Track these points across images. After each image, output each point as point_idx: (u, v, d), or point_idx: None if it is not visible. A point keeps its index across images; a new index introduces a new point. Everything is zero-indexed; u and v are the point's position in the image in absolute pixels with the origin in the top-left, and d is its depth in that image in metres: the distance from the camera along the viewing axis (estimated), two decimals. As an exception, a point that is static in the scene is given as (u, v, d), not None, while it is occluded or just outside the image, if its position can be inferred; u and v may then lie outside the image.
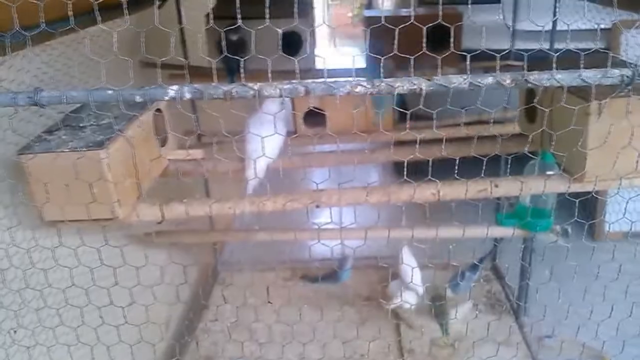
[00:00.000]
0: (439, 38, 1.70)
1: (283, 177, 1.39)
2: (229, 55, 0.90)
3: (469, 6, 1.01)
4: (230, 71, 1.74)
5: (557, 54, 0.83)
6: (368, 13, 2.21)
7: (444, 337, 2.08)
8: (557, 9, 1.64)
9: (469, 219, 1.57)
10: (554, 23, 1.72)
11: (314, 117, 1.83)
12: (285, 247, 2.58)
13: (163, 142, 1.55)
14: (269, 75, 0.86)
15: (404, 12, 2.16)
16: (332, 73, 1.92)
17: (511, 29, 2.03)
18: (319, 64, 2.07)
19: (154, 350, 1.57)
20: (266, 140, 1.27)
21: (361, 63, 2.11)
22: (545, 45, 1.84)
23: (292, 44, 1.73)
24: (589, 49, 1.05)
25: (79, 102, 0.86)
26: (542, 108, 1.19)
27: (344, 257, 2.16)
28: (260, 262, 2.54)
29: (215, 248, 2.62)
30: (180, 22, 1.90)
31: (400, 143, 1.81)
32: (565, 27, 1.92)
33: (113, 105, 0.99)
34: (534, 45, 1.42)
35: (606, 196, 2.57)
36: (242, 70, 0.92)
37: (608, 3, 1.09)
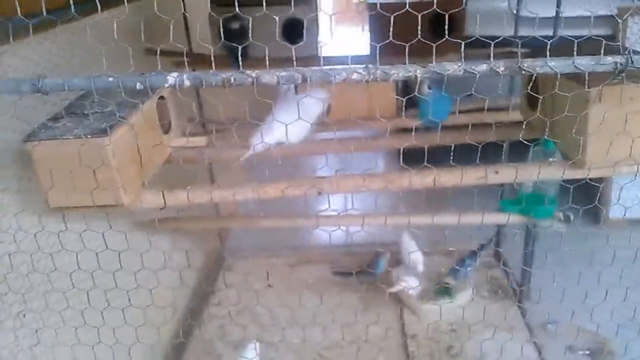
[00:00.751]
0: (442, 24, 1.70)
1: (286, 165, 1.40)
2: (227, 42, 0.91)
3: None
4: (235, 58, 1.75)
5: (552, 40, 0.84)
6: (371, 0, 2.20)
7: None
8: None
9: (474, 204, 1.58)
10: (557, 11, 1.71)
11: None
12: (289, 233, 2.60)
13: (167, 130, 1.56)
14: (267, 62, 0.87)
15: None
16: (335, 60, 1.92)
17: (515, 16, 2.02)
18: (322, 51, 2.07)
19: (159, 332, 1.60)
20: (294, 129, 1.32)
21: (365, 50, 2.11)
22: (551, 32, 1.83)
23: (294, 30, 1.73)
24: (593, 36, 1.05)
25: (81, 89, 0.88)
26: (537, 95, 1.19)
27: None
28: (265, 248, 2.57)
29: (220, 234, 2.64)
30: (184, 9, 1.90)
31: (403, 130, 1.82)
32: (571, 14, 1.91)
33: (117, 93, 1.00)
34: (540, 32, 1.42)
35: (611, 182, 2.57)
36: (240, 58, 0.94)
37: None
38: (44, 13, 0.89)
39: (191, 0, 1.99)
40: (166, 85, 0.85)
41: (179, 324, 2.07)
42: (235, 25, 1.64)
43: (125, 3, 0.87)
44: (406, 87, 1.91)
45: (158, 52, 0.90)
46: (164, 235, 1.91)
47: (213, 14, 1.76)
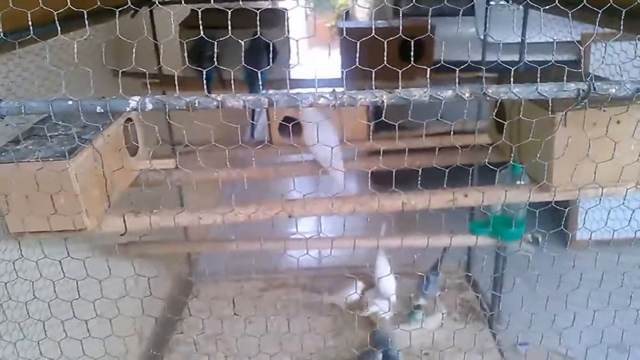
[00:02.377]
0: (411, 50, 1.72)
1: (254, 187, 1.39)
2: (194, 65, 0.89)
3: (445, 17, 1.01)
4: (205, 80, 1.74)
5: (518, 66, 0.85)
6: (342, 24, 2.22)
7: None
8: (527, 23, 1.67)
9: (444, 227, 1.59)
10: (523, 36, 1.75)
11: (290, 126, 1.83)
12: (260, 256, 2.56)
13: (134, 152, 1.53)
14: (232, 85, 0.85)
15: (378, 23, 2.18)
16: (305, 83, 1.93)
17: (482, 42, 2.06)
18: (294, 74, 2.07)
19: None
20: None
21: (337, 73, 2.12)
22: (516, 57, 1.87)
23: (263, 54, 1.72)
24: (558, 62, 1.07)
25: (39, 112, 0.85)
26: (503, 120, 1.20)
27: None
28: (234, 272, 2.53)
29: (189, 258, 2.59)
30: (154, 31, 1.89)
31: (375, 153, 1.82)
32: (537, 40, 1.96)
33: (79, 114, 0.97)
34: (507, 58, 1.45)
35: (577, 204, 2.62)
36: (206, 81, 0.92)
37: (580, 17, 1.12)
38: (2, 34, 0.86)
39: (162, 21, 1.98)
40: (127, 109, 0.83)
41: (143, 355, 2.00)
42: (204, 48, 1.63)
43: (87, 25, 0.85)
44: (376, 111, 1.92)
45: (120, 74, 0.88)
46: (129, 260, 1.86)
47: (183, 37, 1.75)
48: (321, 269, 2.50)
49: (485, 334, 2.14)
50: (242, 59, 0.92)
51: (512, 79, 0.79)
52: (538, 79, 0.80)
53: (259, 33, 1.43)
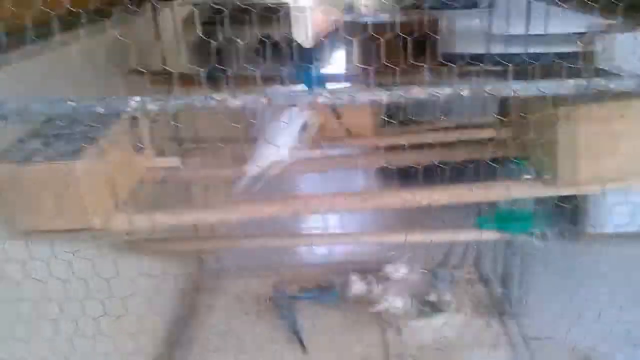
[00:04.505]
0: (416, 43, 1.71)
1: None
2: (198, 65, 0.90)
3: (454, 11, 1.01)
4: (208, 79, 1.74)
5: (535, 62, 0.84)
6: (345, 18, 2.20)
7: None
8: (530, 15, 1.65)
9: (452, 221, 1.59)
10: (527, 28, 1.73)
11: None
12: (271, 252, 2.58)
13: (140, 150, 1.54)
14: (256, 82, 0.86)
15: (382, 17, 2.16)
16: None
17: (488, 34, 2.04)
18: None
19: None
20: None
21: (342, 68, 2.12)
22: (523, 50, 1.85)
23: (270, 50, 1.72)
24: (565, 53, 1.06)
25: (41, 114, 0.86)
26: (507, 115, 1.20)
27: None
28: (245, 268, 2.54)
29: (199, 254, 2.61)
30: (157, 29, 1.89)
31: (381, 148, 1.82)
32: (542, 32, 1.93)
33: (90, 114, 0.98)
34: (513, 50, 1.44)
35: (585, 198, 2.58)
36: (210, 78, 0.93)
37: (584, 8, 1.11)
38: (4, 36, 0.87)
39: (166, 20, 1.98)
40: (128, 109, 0.84)
41: (154, 353, 2.02)
42: (211, 45, 1.64)
43: (79, 29, 0.86)
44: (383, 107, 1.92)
45: (123, 74, 0.89)
46: (139, 258, 1.87)
47: (187, 34, 1.75)
48: (331, 264, 2.51)
49: (496, 328, 2.13)
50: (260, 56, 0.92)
51: (534, 74, 0.78)
52: (539, 75, 0.79)
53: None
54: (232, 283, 2.50)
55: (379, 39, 1.01)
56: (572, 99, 1.09)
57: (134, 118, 1.49)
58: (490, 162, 1.30)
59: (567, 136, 1.18)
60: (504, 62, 1.30)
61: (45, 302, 1.27)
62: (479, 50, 1.89)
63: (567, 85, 0.78)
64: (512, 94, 0.78)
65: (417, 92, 0.78)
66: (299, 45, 1.57)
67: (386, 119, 1.20)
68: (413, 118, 1.14)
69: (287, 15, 1.92)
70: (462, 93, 0.77)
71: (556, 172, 1.26)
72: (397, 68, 0.97)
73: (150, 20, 1.89)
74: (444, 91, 0.78)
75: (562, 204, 1.28)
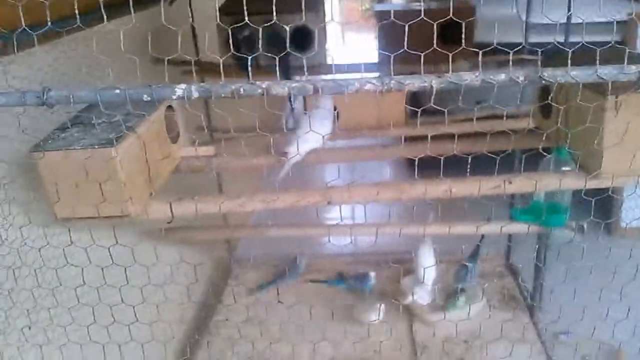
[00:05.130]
0: (452, 32, 1.68)
1: (296, 174, 1.39)
2: (236, 52, 0.89)
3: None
4: (244, 68, 1.73)
5: (572, 49, 0.81)
6: (379, 7, 2.17)
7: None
8: (572, 2, 1.60)
9: (484, 213, 1.56)
10: (569, 17, 1.68)
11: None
12: (299, 242, 2.58)
13: (175, 139, 1.55)
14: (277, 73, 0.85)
15: (415, 5, 2.13)
16: (343, 68, 1.91)
17: (524, 23, 1.99)
18: (330, 60, 2.06)
19: (165, 348, 1.57)
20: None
21: (373, 58, 2.09)
22: (560, 39, 1.80)
23: (303, 39, 1.71)
24: (604, 42, 1.02)
25: (86, 101, 0.86)
26: (556, 105, 1.16)
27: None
28: (274, 257, 2.54)
29: (228, 243, 2.62)
30: (192, 18, 1.89)
31: (412, 139, 1.80)
32: (579, 20, 1.88)
33: (125, 103, 0.98)
34: (549, 39, 1.39)
35: (623, 193, 2.53)
36: (250, 68, 0.92)
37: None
38: (49, 23, 0.87)
39: (200, 9, 1.98)
40: (174, 97, 0.83)
41: (186, 340, 2.04)
42: (244, 34, 1.62)
43: (132, 13, 0.85)
44: (415, 96, 1.90)
45: (166, 62, 0.88)
46: (170, 246, 1.89)
47: (221, 23, 1.74)
48: (360, 254, 2.50)
49: (525, 322, 2.11)
50: (287, 44, 0.91)
51: (569, 62, 0.76)
52: (597, 62, 0.76)
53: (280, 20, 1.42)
54: (260, 272, 2.51)
55: (411, 26, 0.99)
56: (621, 88, 1.05)
57: (169, 107, 1.50)
58: (529, 153, 1.27)
59: (614, 127, 1.14)
60: (543, 51, 1.26)
61: (84, 289, 1.28)
62: (517, 39, 1.84)
63: (629, 71, 0.75)
64: (570, 80, 0.76)
65: (470, 78, 0.76)
66: (276, 33, 1.56)
67: (416, 109, 1.17)
68: (444, 108, 1.12)
69: (322, 5, 1.90)
70: (517, 79, 0.75)
71: (600, 164, 1.22)
72: (432, 56, 0.95)
73: (184, 10, 1.90)
74: (499, 77, 0.76)
75: (598, 197, 1.24)
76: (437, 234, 1.77)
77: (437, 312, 2.10)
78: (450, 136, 1.50)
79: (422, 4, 1.36)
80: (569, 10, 1.73)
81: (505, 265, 2.48)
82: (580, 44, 0.96)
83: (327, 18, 1.92)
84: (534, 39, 1.99)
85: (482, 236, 2.17)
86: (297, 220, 1.89)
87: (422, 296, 2.12)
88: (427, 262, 2.08)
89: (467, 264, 2.16)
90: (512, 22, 2.46)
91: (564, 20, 1.76)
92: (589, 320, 1.59)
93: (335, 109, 1.78)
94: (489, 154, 1.29)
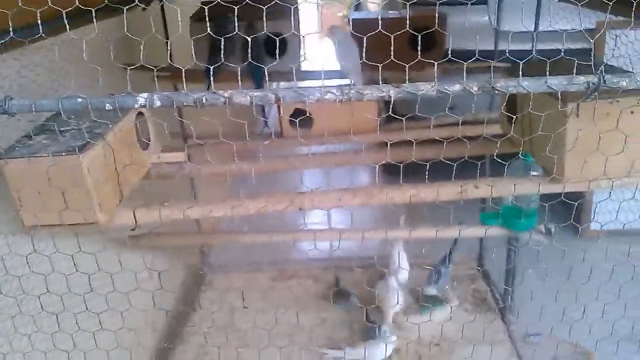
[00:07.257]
0: (423, 40, 1.70)
1: (267, 180, 1.39)
2: (201, 60, 0.89)
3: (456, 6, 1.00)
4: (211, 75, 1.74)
5: (527, 58, 0.84)
6: (353, 15, 2.19)
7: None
8: (549, 11, 1.64)
9: (455, 217, 1.58)
10: (536, 24, 1.72)
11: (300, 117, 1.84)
12: (271, 247, 2.58)
13: (146, 146, 1.54)
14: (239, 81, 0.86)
15: (390, 14, 2.16)
16: (318, 75, 1.92)
17: (495, 30, 2.03)
18: (304, 66, 2.07)
19: (131, 356, 1.56)
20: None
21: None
22: (530, 47, 1.84)
23: (277, 46, 1.72)
24: (575, 50, 1.06)
25: (49, 110, 0.86)
26: (514, 116, 1.19)
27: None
28: (246, 263, 2.54)
29: (201, 249, 2.61)
30: (165, 24, 1.89)
31: (386, 144, 1.82)
32: (549, 28, 1.93)
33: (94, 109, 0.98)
34: (520, 46, 1.43)
35: (592, 195, 2.58)
36: (212, 77, 0.93)
37: (593, 5, 1.10)
38: (12, 33, 0.87)
39: (174, 15, 1.97)
40: (136, 105, 0.84)
41: (155, 347, 2.02)
42: (218, 40, 1.63)
43: (94, 22, 0.86)
44: (387, 103, 1.92)
45: (129, 69, 0.88)
46: (141, 252, 1.87)
47: (194, 29, 1.75)
48: (331, 260, 2.51)
49: (496, 325, 2.14)
50: (250, 54, 0.92)
51: (521, 72, 0.78)
52: (547, 72, 0.79)
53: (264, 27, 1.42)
54: (233, 277, 2.51)
55: (386, 35, 1.00)
56: (580, 96, 1.08)
57: (140, 114, 1.49)
58: (496, 159, 1.29)
59: (575, 133, 1.18)
60: (513, 59, 1.29)
61: (48, 297, 1.27)
62: (488, 46, 1.88)
63: (578, 82, 0.78)
64: (522, 90, 0.78)
65: (426, 89, 0.78)
66: (254, 41, 1.58)
67: (391, 115, 1.19)
68: (418, 114, 1.14)
69: (297, 12, 1.91)
70: (471, 90, 0.77)
71: (563, 169, 1.25)
72: (405, 64, 0.97)
73: (157, 17, 1.89)
74: (453, 87, 0.78)
75: (567, 201, 1.27)
76: (409, 239, 1.79)
77: (409, 315, 2.12)
78: (420, 142, 1.52)
79: (395, 12, 1.38)
80: (537, 18, 1.77)
81: (477, 269, 2.51)
82: (547, 52, 0.98)
83: (302, 25, 1.93)
84: (505, 46, 2.03)
85: (455, 240, 2.19)
86: (276, 225, 1.89)
87: (394, 300, 2.13)
88: (401, 266, 2.10)
89: (439, 267, 2.20)
90: (484, 29, 2.50)
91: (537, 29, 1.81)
92: (561, 322, 1.62)
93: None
94: (457, 161, 1.31)
